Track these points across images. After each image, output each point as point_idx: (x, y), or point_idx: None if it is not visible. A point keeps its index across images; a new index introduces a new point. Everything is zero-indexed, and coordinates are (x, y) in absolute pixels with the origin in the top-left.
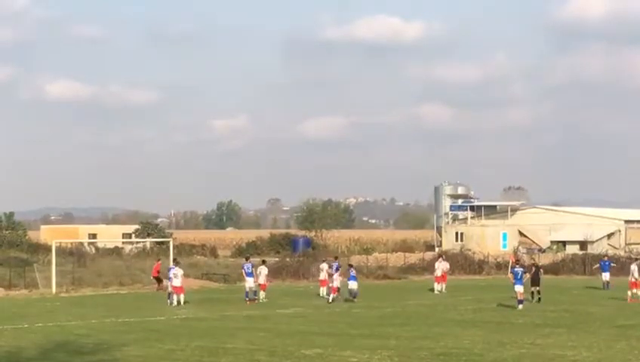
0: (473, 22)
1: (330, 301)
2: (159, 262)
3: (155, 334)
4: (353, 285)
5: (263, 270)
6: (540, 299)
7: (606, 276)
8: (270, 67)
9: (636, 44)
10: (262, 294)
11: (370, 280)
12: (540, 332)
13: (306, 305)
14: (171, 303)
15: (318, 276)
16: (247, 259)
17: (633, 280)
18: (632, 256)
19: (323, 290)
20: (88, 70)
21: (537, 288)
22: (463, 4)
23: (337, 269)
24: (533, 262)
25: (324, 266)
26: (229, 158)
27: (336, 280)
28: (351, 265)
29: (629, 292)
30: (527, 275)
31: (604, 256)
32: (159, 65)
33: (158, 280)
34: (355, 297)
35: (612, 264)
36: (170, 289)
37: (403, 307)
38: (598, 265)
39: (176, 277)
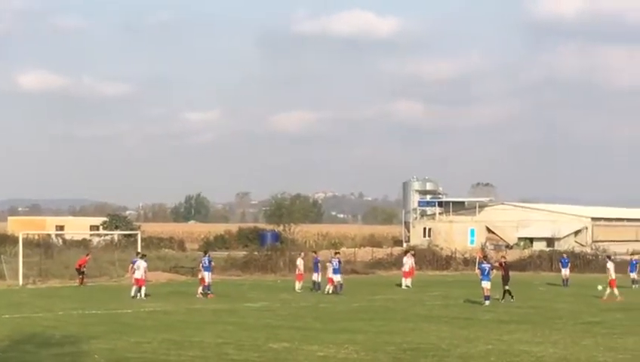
0: (448, 18)
1: (327, 292)
2: (88, 257)
3: (122, 327)
4: (338, 278)
5: (142, 264)
6: (512, 296)
7: (565, 272)
8: (245, 60)
9: (610, 42)
10: (134, 289)
11: None
12: (506, 328)
13: (274, 299)
14: (134, 296)
15: (288, 270)
16: (205, 253)
17: (613, 278)
18: (605, 255)
19: (299, 284)
20: (61, 61)
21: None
22: (438, 1)
23: (317, 263)
24: (503, 259)
25: (301, 261)
26: (200, 151)
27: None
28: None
29: (609, 291)
30: (495, 271)
31: (562, 254)
32: (133, 57)
33: (80, 272)
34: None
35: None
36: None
37: (370, 302)
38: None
39: (139, 269)
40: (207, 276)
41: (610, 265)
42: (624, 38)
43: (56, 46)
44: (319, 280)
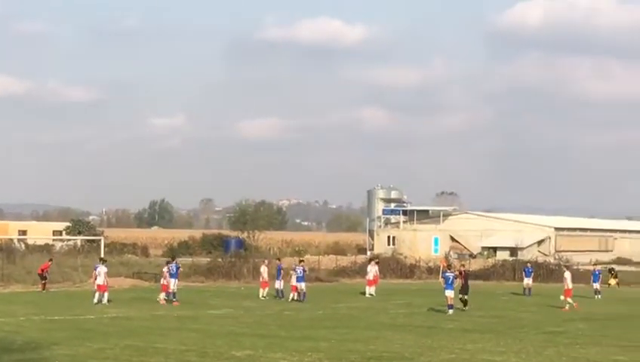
0: (414, 27)
1: (290, 300)
2: (50, 262)
3: (84, 333)
4: (302, 286)
5: (102, 269)
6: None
7: (528, 282)
8: (211, 67)
9: (572, 52)
10: (97, 295)
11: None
12: (469, 337)
13: (238, 307)
14: (97, 302)
15: (252, 277)
16: (173, 259)
17: (570, 287)
18: (562, 264)
19: (263, 292)
20: (24, 66)
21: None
22: (404, 9)
23: (280, 270)
24: (463, 268)
25: (265, 269)
26: (165, 157)
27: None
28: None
29: (565, 299)
30: (458, 281)
31: (526, 263)
32: (98, 62)
33: (42, 278)
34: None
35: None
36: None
37: (334, 310)
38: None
39: (100, 275)
40: (172, 283)
41: (567, 275)
42: (586, 49)
43: (19, 50)
44: (282, 287)
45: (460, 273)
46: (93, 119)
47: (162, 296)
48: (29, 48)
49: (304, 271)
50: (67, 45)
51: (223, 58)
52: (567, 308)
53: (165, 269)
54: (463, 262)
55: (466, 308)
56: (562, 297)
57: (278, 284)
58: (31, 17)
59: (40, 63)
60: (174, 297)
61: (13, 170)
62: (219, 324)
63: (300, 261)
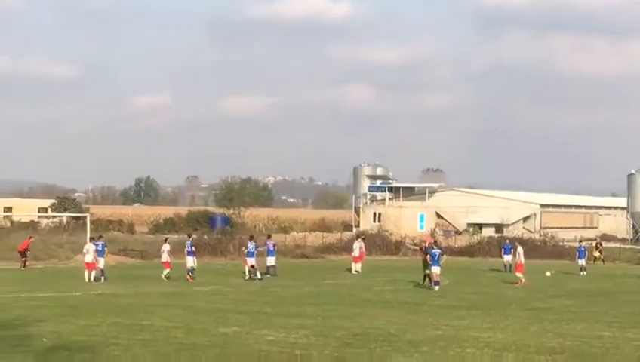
0: (399, 4)
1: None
2: (31, 240)
3: (70, 310)
4: (271, 261)
5: (91, 247)
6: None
7: (508, 259)
8: (194, 45)
9: (559, 30)
10: (87, 273)
11: (288, 259)
12: (455, 313)
13: (224, 283)
14: (95, 279)
15: (238, 254)
16: (189, 237)
17: (522, 262)
18: (516, 239)
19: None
20: (5, 43)
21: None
22: None
23: (256, 248)
24: (424, 244)
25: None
26: (149, 135)
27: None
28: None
29: (519, 275)
30: (445, 257)
31: (505, 240)
32: (80, 40)
33: (23, 255)
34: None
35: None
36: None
37: (320, 286)
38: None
39: (88, 253)
40: (191, 261)
41: (520, 250)
42: (573, 27)
43: None
44: (271, 264)
45: (421, 248)
46: (78, 97)
47: (165, 272)
48: (7, 25)
49: (274, 246)
50: (49, 24)
51: (208, 36)
52: (522, 281)
53: (166, 248)
54: (423, 238)
55: (425, 283)
56: (548, 273)
57: (270, 261)
58: None
59: (23, 41)
60: (192, 273)
61: None
62: (205, 301)
63: (268, 236)
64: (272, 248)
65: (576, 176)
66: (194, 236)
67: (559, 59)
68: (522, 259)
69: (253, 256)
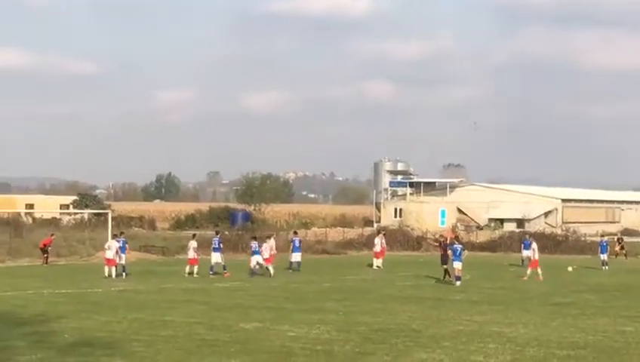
0: None
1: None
2: (52, 237)
3: (92, 306)
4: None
5: (114, 244)
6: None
7: (528, 254)
8: (217, 40)
9: (580, 24)
10: (108, 270)
11: (309, 255)
12: (477, 309)
13: (245, 279)
14: (117, 275)
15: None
16: (217, 234)
17: (535, 258)
18: (530, 235)
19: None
20: (31, 39)
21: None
22: None
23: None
24: (442, 238)
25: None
26: (171, 131)
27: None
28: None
29: (530, 271)
30: (466, 252)
31: (525, 235)
32: (106, 36)
33: (44, 252)
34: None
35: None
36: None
37: (341, 282)
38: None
39: (110, 249)
40: (218, 257)
41: (534, 246)
42: (595, 20)
43: (25, 24)
44: (297, 260)
45: (439, 244)
46: (101, 92)
47: (187, 269)
48: (35, 22)
49: (300, 242)
50: (74, 19)
51: (229, 31)
52: (526, 278)
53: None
54: (440, 233)
55: (446, 278)
56: (570, 268)
57: (295, 257)
58: None
59: (47, 37)
60: (224, 269)
61: (21, 143)
62: (227, 297)
63: (295, 232)
64: (297, 244)
65: (598, 171)
66: (224, 232)
67: (580, 52)
68: (537, 255)
69: (259, 253)
